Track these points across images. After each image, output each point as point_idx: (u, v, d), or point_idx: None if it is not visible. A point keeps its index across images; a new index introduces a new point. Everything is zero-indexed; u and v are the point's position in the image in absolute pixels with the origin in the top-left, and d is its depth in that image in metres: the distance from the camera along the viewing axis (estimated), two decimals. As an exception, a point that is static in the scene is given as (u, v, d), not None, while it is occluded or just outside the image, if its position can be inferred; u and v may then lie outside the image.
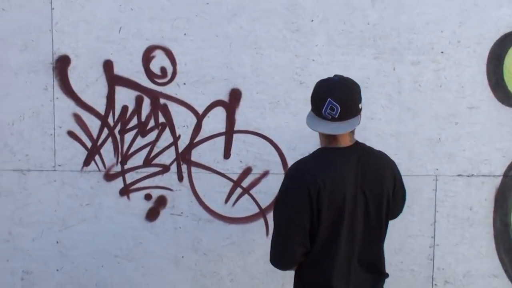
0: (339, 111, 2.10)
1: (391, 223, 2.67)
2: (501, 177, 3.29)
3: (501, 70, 3.21)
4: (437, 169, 3.29)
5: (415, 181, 3.21)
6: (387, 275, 2.29)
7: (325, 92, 2.12)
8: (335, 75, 2.17)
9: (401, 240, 3.15)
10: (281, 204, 2.16)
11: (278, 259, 2.17)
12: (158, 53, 3.25)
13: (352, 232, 2.15)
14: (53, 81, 3.23)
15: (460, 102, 3.25)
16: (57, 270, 3.31)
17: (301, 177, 2.12)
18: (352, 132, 2.18)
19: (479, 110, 3.28)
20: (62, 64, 3.20)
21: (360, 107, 2.16)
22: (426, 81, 3.23)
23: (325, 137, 2.20)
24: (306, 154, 2.37)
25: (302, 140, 3.25)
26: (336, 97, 2.09)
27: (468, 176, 3.30)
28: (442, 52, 3.20)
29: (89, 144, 3.22)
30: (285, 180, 2.18)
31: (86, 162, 3.28)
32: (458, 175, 3.32)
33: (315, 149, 2.42)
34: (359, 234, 2.17)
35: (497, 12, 3.07)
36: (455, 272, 3.34)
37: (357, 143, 2.22)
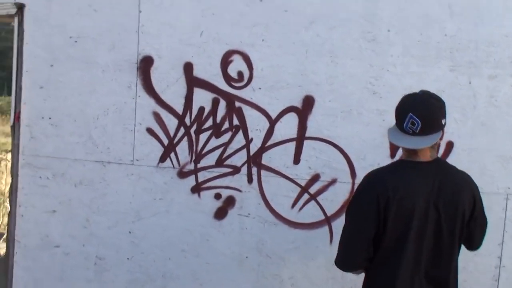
0: (419, 126, 2.24)
1: None
2: None
3: None
4: (509, 188, 3.47)
5: (485, 198, 3.34)
6: None
7: (407, 106, 2.28)
8: (421, 90, 2.35)
9: (466, 259, 3.31)
10: (350, 209, 2.39)
11: (341, 260, 2.41)
12: (236, 58, 3.60)
13: (420, 246, 2.28)
14: (137, 80, 3.68)
15: None
16: (128, 258, 3.74)
17: (372, 184, 2.32)
18: (434, 148, 2.35)
19: None
20: (145, 64, 3.65)
21: (443, 123, 2.31)
22: (502, 96, 3.38)
23: (405, 151, 2.36)
24: (375, 165, 2.65)
25: (372, 150, 3.49)
26: (418, 112, 2.24)
27: None
28: (521, 67, 3.22)
29: (165, 141, 3.65)
30: (359, 186, 2.40)
31: (162, 159, 3.69)
32: None
33: (384, 160, 2.57)
34: (427, 249, 2.30)
35: None
36: None
37: (437, 159, 2.39)
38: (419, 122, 2.24)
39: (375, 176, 2.38)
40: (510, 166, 3.41)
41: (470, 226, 2.42)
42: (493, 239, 3.43)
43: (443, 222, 2.31)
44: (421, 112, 2.25)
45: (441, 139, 2.47)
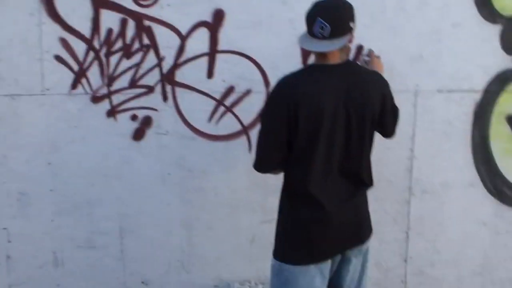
0: (328, 29, 2.40)
1: None
2: (481, 92, 3.85)
3: (487, -13, 3.65)
4: (417, 85, 3.82)
5: (396, 96, 3.58)
6: (370, 185, 2.72)
7: (316, 11, 2.43)
8: None
9: (380, 152, 3.47)
10: (263, 113, 2.64)
11: (258, 162, 2.61)
12: None
13: (331, 143, 2.49)
14: (39, 5, 3.68)
15: (444, 20, 3.72)
16: (51, 190, 3.90)
17: (281, 89, 2.52)
18: (343, 51, 2.53)
19: (463, 27, 3.74)
20: (47, -12, 3.64)
21: (351, 26, 2.49)
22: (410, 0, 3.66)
23: (316, 55, 2.56)
24: (287, 73, 2.79)
25: (285, 59, 3.69)
26: (326, 16, 2.40)
27: (448, 91, 3.80)
28: (426, -31, 3.60)
29: (76, 67, 3.76)
30: (271, 92, 2.62)
31: (74, 86, 3.79)
32: (438, 91, 3.83)
33: (297, 67, 2.89)
34: (338, 145, 2.51)
35: None
36: (433, 182, 3.92)
37: (348, 61, 2.59)
38: (328, 26, 2.39)
39: (285, 81, 2.54)
40: (417, 65, 3.76)
41: (382, 119, 2.67)
42: (405, 133, 3.82)
43: (353, 120, 2.50)
44: (329, 16, 2.40)
45: (350, 42, 2.73)
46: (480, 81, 3.58)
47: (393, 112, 2.77)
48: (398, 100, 3.58)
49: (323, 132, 2.46)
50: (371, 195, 3.06)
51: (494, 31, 3.52)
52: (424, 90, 3.59)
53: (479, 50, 3.51)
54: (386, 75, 3.45)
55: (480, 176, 3.69)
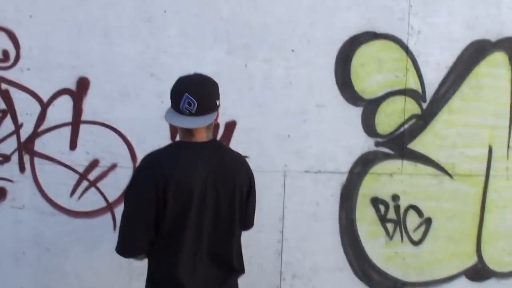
0: (195, 106, 2.55)
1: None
2: (346, 174, 4.22)
3: (348, 70, 3.98)
4: (286, 165, 4.18)
5: (264, 176, 4.07)
6: (241, 272, 2.83)
7: (183, 87, 2.58)
8: (194, 73, 2.68)
9: (249, 235, 3.79)
10: (128, 192, 2.63)
11: (121, 246, 2.60)
12: (1, 35, 3.83)
13: (199, 226, 2.58)
14: None
15: (308, 100, 4.00)
16: None
17: (149, 167, 2.58)
18: (209, 129, 2.68)
19: (327, 109, 4.04)
20: None
21: (217, 104, 2.66)
22: (276, 78, 3.92)
23: (181, 132, 2.67)
24: (156, 147, 2.97)
25: (152, 133, 3.98)
26: (193, 92, 2.55)
27: (315, 172, 4.19)
28: (292, 51, 3.88)
29: None
30: (136, 168, 2.72)
31: None
32: (306, 171, 4.19)
33: (165, 142, 3.20)
34: (207, 229, 2.61)
35: (346, 14, 3.86)
36: (303, 266, 4.08)
37: (214, 140, 2.75)
38: (195, 102, 2.55)
39: (151, 158, 2.65)
40: (286, 145, 3.97)
41: (248, 204, 2.80)
42: (274, 215, 4.17)
43: (222, 201, 2.64)
44: (197, 92, 2.57)
45: (216, 120, 2.94)
46: (345, 163, 3.99)
47: (254, 201, 2.90)
48: (267, 181, 4.00)
49: (191, 214, 2.56)
50: (242, 281, 3.23)
51: (356, 112, 3.96)
52: (293, 170, 3.94)
53: (343, 132, 3.94)
54: (255, 154, 3.87)
55: (348, 260, 4.08)
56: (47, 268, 3.81)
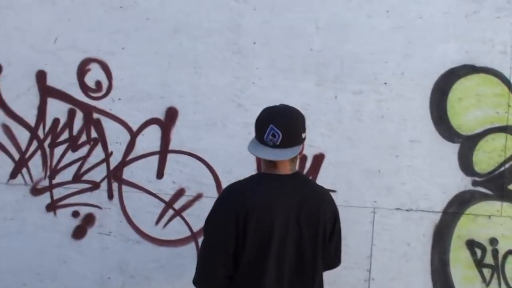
0: (280, 137, 2.48)
1: None
2: (440, 214, 3.88)
3: (444, 104, 3.78)
4: (375, 201, 3.92)
5: (352, 212, 3.97)
6: None
7: (268, 118, 2.52)
8: (280, 104, 2.61)
9: (336, 272, 3.68)
10: (208, 223, 2.57)
11: (199, 278, 2.53)
12: (94, 66, 3.96)
13: (281, 262, 2.50)
14: None
15: (401, 135, 3.81)
16: None
17: (230, 198, 2.51)
18: (294, 162, 2.60)
19: (421, 144, 3.83)
20: (-7, 72, 3.82)
21: (303, 137, 2.57)
22: (367, 111, 3.79)
23: (264, 163, 2.60)
24: (241, 178, 2.91)
25: (238, 163, 3.96)
26: (278, 124, 2.49)
27: (407, 210, 4.03)
28: (385, 83, 3.74)
29: (16, 156, 3.92)
30: (217, 199, 2.58)
31: (13, 175, 3.95)
32: (397, 209, 3.91)
33: (251, 173, 3.13)
34: (289, 265, 2.52)
35: (443, 46, 3.68)
36: None
37: (297, 173, 2.64)
38: (280, 134, 2.49)
39: (233, 189, 2.58)
40: (376, 180, 3.83)
41: (333, 240, 2.70)
42: (362, 253, 4.01)
43: (305, 235, 2.55)
44: (282, 124, 2.50)
45: (301, 153, 2.84)
46: (439, 201, 3.77)
47: (339, 238, 2.78)
48: (355, 216, 3.84)
49: (272, 249, 2.48)
50: None
51: (452, 149, 3.74)
52: (382, 207, 3.77)
53: (438, 169, 3.72)
54: (343, 188, 3.74)
55: None
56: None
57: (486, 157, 3.79)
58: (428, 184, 3.80)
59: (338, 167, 3.83)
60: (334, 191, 3.88)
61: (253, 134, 3.24)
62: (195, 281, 2.56)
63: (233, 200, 2.50)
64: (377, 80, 3.74)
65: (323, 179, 3.92)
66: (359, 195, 3.79)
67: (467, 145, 3.81)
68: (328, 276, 3.62)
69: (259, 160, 3.86)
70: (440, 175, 3.80)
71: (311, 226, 2.56)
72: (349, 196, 3.81)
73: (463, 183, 3.82)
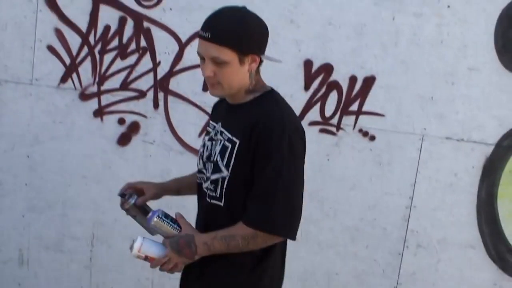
0: None
1: (368, 177, 3.65)
2: (493, 146, 3.87)
3: (510, 33, 3.54)
4: (425, 129, 3.89)
5: (399, 138, 3.87)
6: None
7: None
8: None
9: (376, 197, 3.55)
10: (296, 156, 2.13)
11: (294, 226, 2.13)
12: None
13: None
14: None
15: (460, 62, 3.80)
16: (26, 184, 4.12)
17: (301, 129, 2.23)
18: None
19: (480, 73, 3.80)
20: (48, -24, 3.77)
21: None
22: (426, 35, 3.77)
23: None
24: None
25: (286, 81, 3.85)
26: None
27: (457, 140, 3.88)
28: (448, 6, 3.55)
29: (67, 61, 3.96)
30: (287, 127, 2.12)
31: (63, 79, 4.01)
32: (447, 138, 3.89)
33: (298, 91, 3.41)
34: None
35: None
36: (430, 237, 3.96)
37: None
38: None
39: (296, 117, 2.30)
40: (428, 107, 3.84)
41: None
42: (406, 180, 3.90)
43: None
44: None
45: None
46: (493, 134, 3.61)
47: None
48: (402, 142, 3.75)
49: None
50: (364, 242, 3.17)
51: None
52: (432, 135, 3.66)
53: (495, 100, 3.56)
54: (392, 113, 3.72)
55: (482, 238, 3.70)
56: (170, 204, 3.66)
57: (551, 90, 3.58)
58: (483, 115, 3.63)
59: (389, 91, 3.82)
60: (382, 115, 3.75)
61: (304, 52, 3.16)
62: (287, 233, 2.13)
63: (303, 131, 2.23)
64: (439, 2, 3.50)
65: (372, 103, 3.78)
66: (409, 121, 3.68)
67: (531, 77, 3.60)
68: (369, 200, 3.59)
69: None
70: (497, 106, 3.62)
71: None
72: (398, 122, 3.83)
73: (521, 116, 3.64)
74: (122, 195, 2.56)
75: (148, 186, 2.60)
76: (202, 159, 2.32)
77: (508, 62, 3.80)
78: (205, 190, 2.26)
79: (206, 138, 2.37)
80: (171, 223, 2.27)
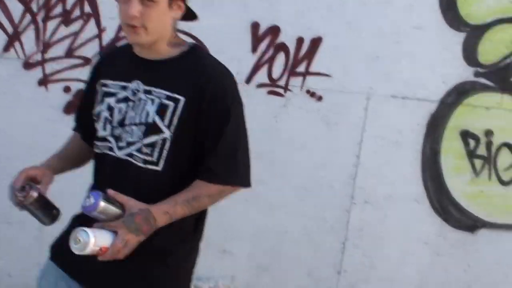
0: None
1: (316, 137, 3.65)
2: (437, 103, 3.92)
3: (454, -9, 3.68)
4: (371, 88, 3.94)
5: (346, 98, 3.91)
6: None
7: None
8: None
9: (324, 156, 3.58)
10: (241, 107, 2.13)
11: (249, 174, 2.14)
12: None
13: None
14: None
15: (405, 20, 3.86)
16: None
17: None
18: None
19: (425, 31, 3.87)
20: None
21: None
22: None
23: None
24: None
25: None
26: None
27: (402, 98, 3.90)
28: (392, -34, 3.62)
29: (10, 29, 3.82)
30: (233, 82, 2.13)
31: (6, 48, 3.87)
32: (392, 96, 3.94)
33: None
34: None
35: None
36: (376, 193, 4.04)
37: None
38: None
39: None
40: (373, 66, 3.89)
41: None
42: (352, 138, 3.97)
43: None
44: None
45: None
46: (437, 91, 3.70)
47: None
48: (348, 101, 3.80)
49: None
50: (312, 200, 3.21)
51: (457, 39, 3.65)
52: (378, 93, 3.71)
53: (439, 58, 3.63)
54: (339, 73, 3.74)
55: (427, 192, 3.80)
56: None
57: (492, 48, 3.68)
58: (427, 72, 3.74)
59: (335, 52, 3.85)
60: (329, 75, 3.78)
61: (251, 14, 3.13)
62: (247, 181, 2.12)
63: None
64: (383, -38, 3.56)
65: (318, 63, 3.82)
66: (354, 81, 3.73)
67: (474, 35, 3.69)
68: (316, 158, 3.63)
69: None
70: (441, 64, 3.75)
71: None
72: (344, 81, 3.86)
73: (465, 73, 3.76)
74: (22, 188, 2.08)
75: (42, 172, 2.23)
76: (111, 124, 2.09)
77: (452, 21, 3.86)
78: (126, 157, 2.06)
79: (112, 100, 2.11)
80: (113, 202, 1.93)
